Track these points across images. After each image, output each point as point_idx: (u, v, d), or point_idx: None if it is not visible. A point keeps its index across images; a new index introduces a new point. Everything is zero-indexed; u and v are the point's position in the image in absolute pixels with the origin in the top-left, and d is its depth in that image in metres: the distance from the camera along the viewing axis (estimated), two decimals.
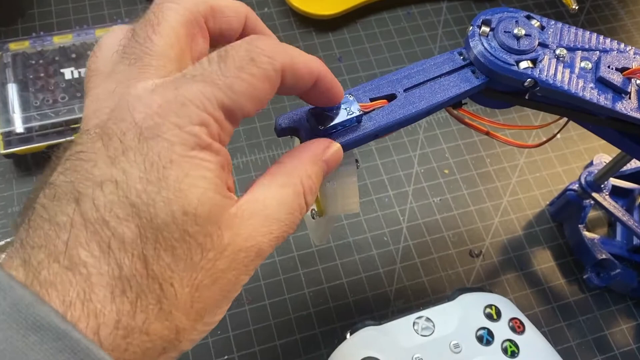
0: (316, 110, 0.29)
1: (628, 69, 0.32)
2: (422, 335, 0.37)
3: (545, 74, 0.30)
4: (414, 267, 0.46)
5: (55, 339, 0.18)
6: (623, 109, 0.31)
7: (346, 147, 0.29)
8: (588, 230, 0.47)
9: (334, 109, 0.29)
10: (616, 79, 0.31)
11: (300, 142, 0.29)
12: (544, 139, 0.37)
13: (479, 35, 0.31)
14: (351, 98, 0.29)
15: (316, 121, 0.28)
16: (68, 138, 0.46)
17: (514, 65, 0.30)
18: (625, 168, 0.46)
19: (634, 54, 0.33)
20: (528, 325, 0.38)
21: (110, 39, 0.24)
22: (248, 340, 0.42)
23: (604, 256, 0.45)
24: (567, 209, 0.47)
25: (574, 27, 0.33)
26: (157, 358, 0.21)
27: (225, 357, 0.41)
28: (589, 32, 0.33)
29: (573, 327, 0.45)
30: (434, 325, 0.37)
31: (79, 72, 0.49)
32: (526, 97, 0.32)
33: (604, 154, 0.50)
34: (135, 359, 0.20)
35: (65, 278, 0.19)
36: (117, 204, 0.20)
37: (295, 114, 0.29)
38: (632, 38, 0.60)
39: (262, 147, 0.50)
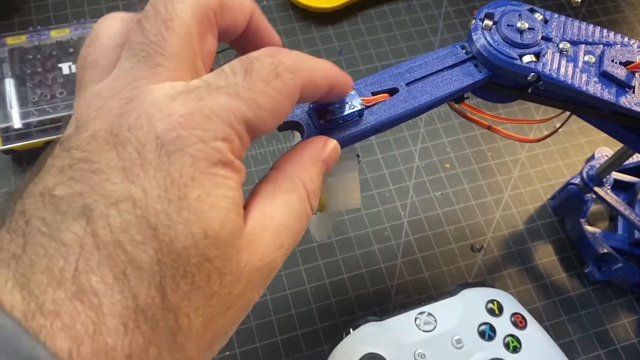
0: (317, 105, 0.28)
1: (632, 62, 0.31)
2: (424, 330, 0.37)
3: (548, 68, 0.30)
4: (415, 262, 0.46)
5: None
6: (627, 103, 0.31)
7: (347, 141, 0.29)
8: (589, 224, 0.47)
9: (336, 103, 0.28)
10: (620, 73, 0.31)
11: (301, 137, 0.29)
12: (546, 133, 0.36)
13: (482, 28, 0.31)
14: (353, 92, 0.29)
15: (317, 115, 0.28)
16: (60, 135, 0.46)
17: (517, 59, 0.30)
18: (627, 162, 0.45)
19: (638, 47, 0.32)
20: (530, 320, 0.38)
21: (110, 28, 0.22)
22: (249, 336, 0.42)
23: (605, 250, 0.45)
24: (569, 203, 0.47)
25: (577, 21, 0.32)
26: None
27: (227, 353, 0.41)
28: (592, 26, 0.33)
29: (574, 321, 0.45)
30: (435, 321, 0.37)
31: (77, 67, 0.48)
32: (529, 91, 0.32)
33: (605, 147, 0.50)
34: None
35: (73, 308, 0.17)
36: (134, 226, 0.18)
37: (296, 108, 0.29)
38: (634, 30, 0.60)
39: (262, 141, 0.50)
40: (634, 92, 0.31)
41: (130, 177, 0.18)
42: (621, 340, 0.45)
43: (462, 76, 0.31)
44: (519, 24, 0.31)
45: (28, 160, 0.47)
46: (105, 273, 0.17)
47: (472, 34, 0.31)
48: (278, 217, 0.22)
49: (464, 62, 0.31)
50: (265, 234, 0.21)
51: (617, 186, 0.47)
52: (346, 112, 0.28)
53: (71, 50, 0.49)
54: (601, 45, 0.32)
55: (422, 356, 0.36)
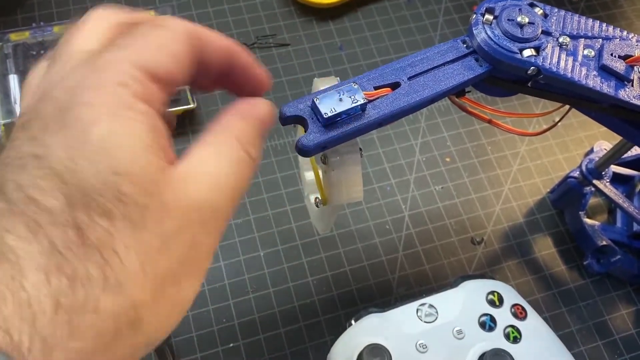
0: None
1: (631, 56, 0.32)
2: (425, 321, 0.37)
3: (548, 61, 0.31)
4: (416, 255, 0.47)
5: None
6: (626, 96, 0.31)
7: (350, 135, 0.29)
8: (588, 217, 0.48)
9: (339, 97, 0.29)
10: (619, 66, 0.31)
11: (305, 131, 0.29)
12: (545, 127, 0.37)
13: (483, 23, 0.31)
14: (355, 86, 0.29)
15: (321, 109, 0.28)
16: None
17: (517, 53, 0.30)
18: (625, 155, 0.46)
19: (637, 41, 0.33)
20: (530, 311, 0.39)
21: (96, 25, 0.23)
22: (253, 328, 0.42)
23: (604, 242, 0.46)
24: (568, 196, 0.48)
25: (577, 15, 0.33)
26: (119, 344, 0.19)
27: (231, 344, 0.42)
28: (591, 20, 0.33)
29: (574, 312, 0.46)
30: (437, 312, 0.38)
31: None
32: (529, 85, 0.32)
33: (604, 141, 0.50)
34: (86, 347, 0.18)
35: (9, 286, 0.17)
36: (40, 178, 0.18)
37: (299, 102, 0.29)
38: (632, 25, 0.60)
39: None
40: (632, 86, 0.32)
41: (36, 139, 0.19)
42: (620, 331, 0.45)
43: (463, 70, 0.31)
44: (519, 19, 0.31)
45: None
46: (19, 229, 0.18)
47: (473, 28, 0.31)
48: (209, 163, 0.22)
49: (464, 56, 0.32)
50: (197, 175, 0.21)
51: (616, 179, 0.47)
52: (349, 106, 0.29)
53: None
54: (600, 39, 0.32)
55: (424, 347, 0.36)
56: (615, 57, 0.32)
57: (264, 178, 0.48)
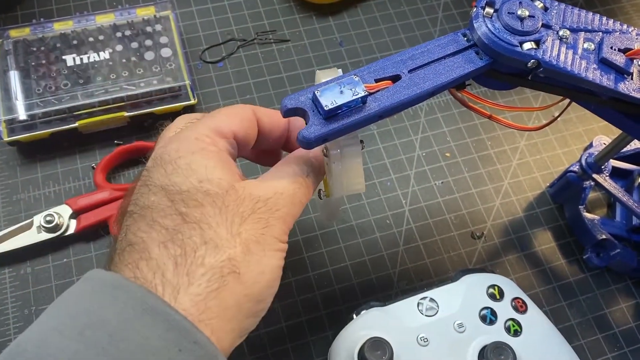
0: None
1: (630, 49, 0.32)
2: (426, 315, 0.38)
3: (548, 55, 0.31)
4: (416, 249, 0.47)
5: (140, 304, 0.25)
6: (625, 89, 0.31)
7: (351, 127, 0.29)
8: (588, 211, 0.48)
9: (340, 90, 0.29)
10: (619, 59, 0.32)
11: (306, 124, 0.29)
12: (545, 122, 0.37)
13: (483, 16, 0.31)
14: (356, 79, 0.30)
15: (322, 102, 0.29)
16: (72, 125, 0.46)
17: (517, 46, 0.31)
18: (625, 149, 0.46)
19: (637, 35, 0.33)
20: (530, 304, 0.39)
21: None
22: None
23: (603, 236, 0.46)
24: (568, 190, 0.48)
25: (577, 8, 0.33)
26: (225, 291, 0.26)
27: None
28: (591, 14, 0.33)
29: (573, 306, 0.46)
30: (438, 306, 0.38)
31: (81, 59, 0.48)
32: (529, 78, 0.33)
33: (603, 135, 0.50)
34: (201, 291, 0.26)
35: (139, 256, 0.27)
36: (151, 194, 0.29)
37: (300, 95, 0.30)
38: (631, 20, 0.60)
39: None
40: (632, 79, 0.32)
41: (146, 177, 0.30)
42: (619, 324, 0.45)
43: (463, 63, 0.31)
44: (519, 12, 0.31)
45: (33, 152, 0.47)
46: (142, 226, 0.28)
47: (474, 21, 0.31)
48: (273, 178, 0.31)
49: (465, 49, 0.32)
50: (262, 184, 0.30)
51: (615, 173, 0.47)
52: (350, 99, 0.29)
53: (74, 42, 0.49)
54: (600, 33, 0.33)
55: (425, 340, 0.36)
56: (615, 50, 0.32)
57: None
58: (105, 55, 0.49)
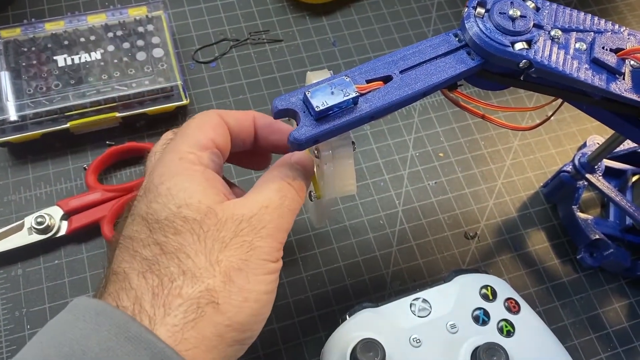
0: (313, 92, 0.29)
1: (622, 49, 0.32)
2: (419, 316, 0.37)
3: (540, 55, 0.31)
4: (410, 250, 0.47)
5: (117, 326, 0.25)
6: (617, 89, 0.31)
7: (343, 128, 0.29)
8: (581, 211, 0.48)
9: (331, 91, 0.29)
10: (610, 59, 0.32)
11: (297, 125, 0.29)
12: (538, 122, 0.37)
13: (475, 16, 0.31)
14: (347, 80, 0.29)
15: (313, 103, 0.28)
16: (63, 126, 0.46)
17: (509, 46, 0.30)
18: (618, 149, 0.46)
19: (628, 34, 0.33)
20: (523, 305, 0.39)
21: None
22: None
23: (597, 236, 0.46)
24: (561, 190, 0.48)
25: (569, 8, 0.33)
26: (204, 321, 0.26)
27: None
28: (583, 13, 0.33)
29: (567, 306, 0.46)
30: (430, 307, 0.38)
31: (72, 59, 0.48)
32: (521, 79, 0.32)
33: (596, 135, 0.50)
34: (178, 321, 0.26)
35: (120, 286, 0.27)
36: (133, 224, 0.29)
37: (291, 96, 0.29)
38: (625, 19, 0.60)
39: None
40: (624, 79, 0.32)
41: (133, 206, 0.30)
42: (613, 324, 0.45)
43: (455, 64, 0.31)
44: (511, 12, 0.31)
45: (24, 153, 0.47)
46: (126, 257, 0.28)
47: (465, 21, 0.31)
48: (257, 192, 0.30)
49: (457, 49, 0.32)
50: (247, 201, 0.29)
51: (609, 173, 0.47)
52: (341, 100, 0.29)
53: (66, 42, 0.49)
54: (592, 33, 0.33)
55: (418, 341, 0.36)
56: (606, 50, 0.32)
57: (258, 174, 0.48)
58: (96, 55, 0.49)
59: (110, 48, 0.49)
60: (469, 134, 0.52)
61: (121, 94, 0.47)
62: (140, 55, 0.49)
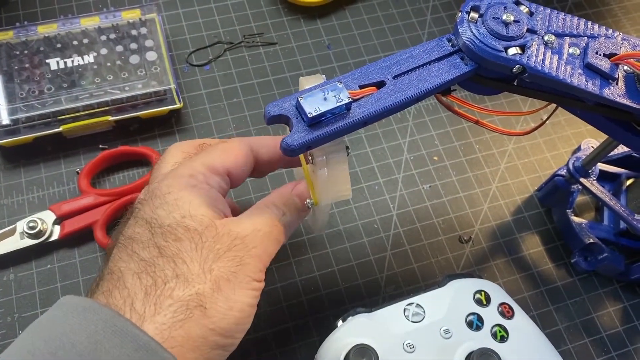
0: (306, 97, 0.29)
1: (616, 54, 0.32)
2: (412, 321, 0.37)
3: (533, 60, 0.31)
4: (404, 254, 0.47)
5: (105, 320, 0.26)
6: (610, 95, 0.31)
7: (336, 134, 0.29)
8: (576, 215, 0.48)
9: (323, 97, 0.29)
10: (604, 65, 0.31)
11: (290, 131, 0.29)
12: (533, 126, 0.37)
13: (468, 21, 0.31)
14: (340, 85, 0.29)
15: (305, 109, 0.28)
16: (56, 129, 0.46)
17: (502, 51, 0.30)
18: (612, 153, 0.46)
19: (622, 39, 0.33)
20: (517, 310, 0.39)
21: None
22: None
23: (591, 240, 0.46)
24: (555, 194, 0.48)
25: (562, 13, 0.33)
26: (191, 323, 0.27)
27: None
28: (577, 18, 0.33)
29: (561, 310, 0.46)
30: (424, 312, 0.38)
31: (65, 63, 0.48)
32: (515, 84, 0.32)
33: (591, 139, 0.50)
34: (167, 320, 0.27)
35: (114, 284, 0.29)
36: (136, 226, 0.31)
37: (284, 102, 0.29)
38: (619, 22, 0.61)
39: (251, 135, 0.50)
40: (617, 84, 0.32)
41: (136, 209, 0.32)
42: (607, 328, 0.45)
43: (448, 69, 0.31)
44: (504, 17, 0.31)
45: (17, 157, 0.47)
46: (123, 256, 0.30)
47: (458, 26, 0.31)
48: (251, 216, 0.33)
49: (450, 54, 0.32)
50: (241, 222, 0.32)
51: (603, 177, 0.47)
52: (334, 106, 0.28)
53: (59, 45, 0.49)
54: (586, 38, 0.32)
55: (411, 346, 0.36)
56: (600, 55, 0.32)
57: (251, 179, 0.48)
58: (89, 58, 0.48)
59: (104, 51, 0.49)
60: (464, 138, 0.52)
61: (114, 97, 0.47)
62: (134, 59, 0.49)
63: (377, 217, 0.48)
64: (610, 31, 0.33)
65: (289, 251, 0.45)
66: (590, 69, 0.32)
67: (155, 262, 0.29)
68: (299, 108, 0.29)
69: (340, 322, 0.38)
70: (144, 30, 0.50)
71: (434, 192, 0.50)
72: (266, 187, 0.48)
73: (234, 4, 0.56)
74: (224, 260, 0.29)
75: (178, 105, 0.48)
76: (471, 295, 0.38)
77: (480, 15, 0.31)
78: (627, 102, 0.31)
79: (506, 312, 0.38)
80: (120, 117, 0.47)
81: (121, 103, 0.47)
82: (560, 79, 0.31)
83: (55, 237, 0.43)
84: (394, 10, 0.58)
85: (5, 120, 0.45)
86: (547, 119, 0.37)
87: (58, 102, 0.46)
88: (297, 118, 0.29)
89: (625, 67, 0.32)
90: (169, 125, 0.49)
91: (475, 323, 0.37)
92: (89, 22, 0.50)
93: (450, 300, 0.38)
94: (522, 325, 0.38)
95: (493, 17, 0.31)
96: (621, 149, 0.48)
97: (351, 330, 0.37)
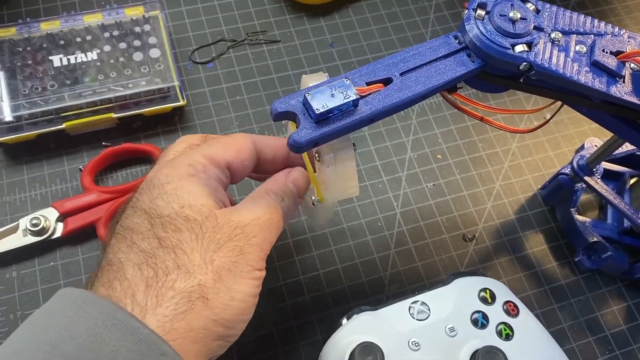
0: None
1: (622, 52, 0.32)
2: (417, 319, 0.37)
3: (540, 57, 0.30)
4: (408, 252, 0.46)
5: (107, 313, 0.26)
6: (617, 92, 0.31)
7: (343, 131, 0.29)
8: (579, 214, 0.48)
9: (331, 93, 0.28)
10: (611, 62, 0.31)
11: (297, 127, 0.29)
12: (537, 124, 0.37)
13: (475, 18, 0.31)
14: (347, 82, 0.29)
15: (313, 105, 0.28)
16: (59, 126, 0.46)
17: (509, 48, 0.30)
18: (616, 152, 0.46)
19: (628, 37, 0.33)
20: (522, 308, 0.39)
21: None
22: None
23: (595, 239, 0.46)
24: (559, 192, 0.48)
25: (569, 11, 0.33)
26: (192, 314, 0.27)
27: None
28: (583, 16, 0.33)
29: (565, 309, 0.46)
30: (429, 310, 0.38)
31: (68, 59, 0.48)
32: (521, 81, 0.32)
33: (595, 137, 0.50)
34: (169, 312, 0.27)
35: (114, 275, 0.28)
36: (134, 216, 0.30)
37: (291, 98, 0.29)
38: (622, 21, 0.61)
39: (254, 133, 0.50)
40: (624, 82, 0.32)
41: (134, 198, 0.31)
42: (611, 327, 0.45)
43: (455, 66, 0.31)
44: (511, 14, 0.31)
45: (19, 154, 0.47)
46: (123, 247, 0.29)
47: (465, 23, 0.31)
48: (250, 205, 0.32)
49: (457, 52, 0.32)
50: (241, 211, 0.31)
51: (607, 176, 0.47)
52: (341, 102, 0.28)
53: (62, 42, 0.48)
54: (592, 35, 0.32)
55: (416, 344, 0.36)
56: (607, 53, 0.32)
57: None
58: (93, 55, 0.48)
59: (107, 48, 0.49)
60: (467, 136, 0.52)
61: (117, 94, 0.47)
62: (137, 56, 0.49)
63: (380, 215, 0.48)
64: (616, 29, 0.33)
65: (293, 249, 0.45)
66: (597, 67, 0.31)
67: (155, 253, 0.28)
68: (306, 104, 0.29)
69: (344, 320, 0.38)
70: (147, 28, 0.50)
71: (437, 190, 0.49)
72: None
73: (237, 1, 0.56)
74: (224, 250, 0.29)
75: (181, 103, 0.48)
76: (476, 293, 0.38)
77: (487, 13, 0.31)
78: (634, 99, 0.31)
79: (511, 310, 0.38)
80: (124, 114, 0.47)
81: (124, 100, 0.47)
82: (567, 76, 0.31)
83: (58, 234, 0.43)
84: (397, 8, 0.58)
85: (8, 117, 0.45)
86: (552, 117, 0.37)
87: (61, 99, 0.46)
88: (304, 114, 0.29)
89: (632, 65, 0.32)
90: (172, 123, 0.49)
91: (480, 321, 0.37)
92: (92, 19, 0.50)
93: (456, 298, 0.38)
94: (527, 323, 0.38)
95: (500, 15, 0.31)
96: (625, 148, 0.48)
97: (356, 328, 0.36)
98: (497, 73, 0.32)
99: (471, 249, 0.47)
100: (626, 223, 0.47)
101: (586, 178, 0.45)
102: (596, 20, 0.33)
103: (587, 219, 0.47)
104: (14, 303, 0.41)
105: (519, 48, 0.30)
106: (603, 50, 0.32)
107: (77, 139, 0.48)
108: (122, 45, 0.49)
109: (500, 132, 0.53)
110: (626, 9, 0.61)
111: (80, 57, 0.48)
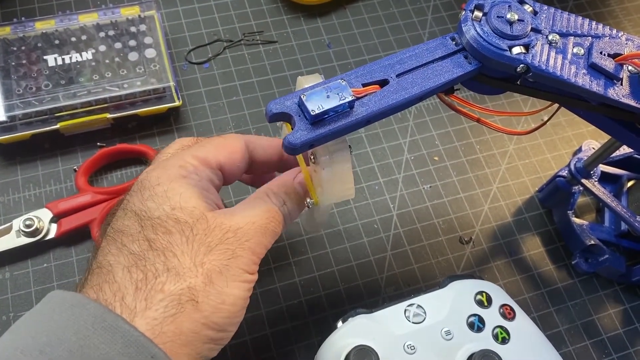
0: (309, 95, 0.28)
1: (620, 55, 0.32)
2: (413, 322, 0.37)
3: (537, 59, 0.30)
4: (404, 255, 0.46)
5: (96, 316, 0.26)
6: (615, 95, 0.31)
7: (339, 132, 0.29)
8: (577, 216, 0.48)
9: (326, 94, 0.28)
10: (608, 65, 0.31)
11: (292, 129, 0.28)
12: (534, 126, 0.36)
13: (472, 20, 0.31)
14: (343, 83, 0.29)
15: (308, 106, 0.28)
16: (53, 126, 0.45)
17: (506, 50, 0.30)
18: (614, 154, 0.46)
19: (626, 40, 0.33)
20: (518, 311, 0.38)
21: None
22: (240, 329, 0.41)
23: (592, 242, 0.45)
24: (556, 195, 0.48)
25: (567, 13, 0.33)
26: (182, 316, 0.27)
27: None
28: (581, 18, 0.33)
29: (562, 312, 0.45)
30: (425, 313, 0.37)
31: (63, 59, 0.47)
32: (518, 83, 0.32)
33: (592, 140, 0.50)
34: (158, 315, 0.26)
35: (104, 278, 0.28)
36: (125, 218, 0.30)
37: (286, 99, 0.29)
38: (620, 23, 0.60)
39: (251, 134, 0.50)
40: (622, 84, 0.31)
41: (125, 201, 0.31)
42: (607, 330, 0.45)
43: (452, 67, 0.31)
44: (508, 16, 0.31)
45: (13, 154, 0.46)
46: (112, 249, 0.29)
47: (462, 25, 0.31)
48: (246, 208, 0.32)
49: (454, 53, 0.31)
50: (235, 214, 0.31)
51: (604, 178, 0.47)
52: (337, 104, 0.28)
53: (56, 42, 0.48)
54: (590, 37, 0.32)
55: (412, 348, 0.36)
56: (604, 55, 0.32)
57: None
58: (88, 55, 0.48)
59: (102, 48, 0.48)
60: (464, 138, 0.52)
61: (112, 94, 0.46)
62: (133, 56, 0.48)
63: (377, 217, 0.47)
64: (614, 31, 0.33)
65: (289, 251, 0.45)
66: (595, 69, 0.31)
67: (145, 256, 0.28)
68: (301, 106, 0.28)
69: (340, 323, 0.37)
70: (143, 27, 0.50)
71: (434, 192, 0.49)
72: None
73: (233, 1, 0.56)
74: (215, 253, 0.29)
75: (177, 103, 0.48)
76: (472, 296, 0.38)
77: (484, 14, 0.31)
78: (632, 102, 0.31)
79: (507, 313, 0.38)
80: (119, 114, 0.47)
81: (119, 100, 0.47)
82: (565, 78, 0.30)
83: (51, 235, 0.43)
84: (394, 9, 0.58)
85: (2, 117, 0.44)
86: (549, 118, 0.37)
87: (55, 99, 0.46)
88: (299, 116, 0.28)
89: (630, 68, 0.32)
90: (167, 123, 0.49)
91: (476, 324, 0.37)
92: (87, 19, 0.49)
93: (451, 301, 0.38)
94: (523, 326, 0.38)
95: (497, 16, 0.31)
96: (623, 150, 0.48)
97: (351, 331, 0.36)
98: (494, 75, 0.32)
99: (468, 252, 0.47)
100: (623, 226, 0.47)
101: (583, 181, 0.45)
102: (594, 22, 0.33)
103: (585, 222, 0.47)
104: (6, 305, 0.41)
105: (516, 50, 0.30)
106: (601, 53, 0.32)
107: (71, 140, 0.47)
108: (118, 45, 0.49)
109: (498, 134, 0.52)
110: (624, 11, 0.61)
111: (75, 57, 0.48)
